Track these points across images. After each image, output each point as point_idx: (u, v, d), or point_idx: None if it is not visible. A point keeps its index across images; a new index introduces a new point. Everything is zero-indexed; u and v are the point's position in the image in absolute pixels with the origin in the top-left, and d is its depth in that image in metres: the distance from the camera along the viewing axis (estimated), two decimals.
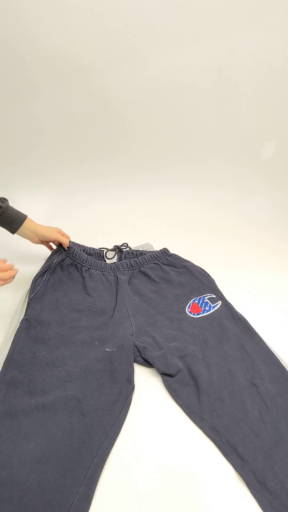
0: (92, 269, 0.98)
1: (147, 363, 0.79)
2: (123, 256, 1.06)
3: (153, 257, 1.03)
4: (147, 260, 1.03)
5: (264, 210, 1.52)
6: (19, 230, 0.95)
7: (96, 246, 1.08)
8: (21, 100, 1.38)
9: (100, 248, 1.07)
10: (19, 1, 1.22)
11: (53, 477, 0.57)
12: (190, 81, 1.41)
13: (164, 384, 0.76)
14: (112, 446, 0.64)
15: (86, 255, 1.00)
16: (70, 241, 1.00)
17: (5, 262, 0.78)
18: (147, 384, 0.77)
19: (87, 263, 0.99)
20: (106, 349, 0.79)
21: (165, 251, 1.06)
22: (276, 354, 0.82)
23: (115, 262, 1.03)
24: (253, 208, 1.55)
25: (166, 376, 0.76)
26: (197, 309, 0.92)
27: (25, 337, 0.80)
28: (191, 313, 0.91)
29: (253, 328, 0.87)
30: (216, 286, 0.99)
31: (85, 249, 1.04)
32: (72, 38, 1.31)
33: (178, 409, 0.72)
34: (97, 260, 1.00)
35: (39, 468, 0.58)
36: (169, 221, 1.41)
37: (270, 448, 0.64)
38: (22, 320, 0.83)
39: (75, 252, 0.99)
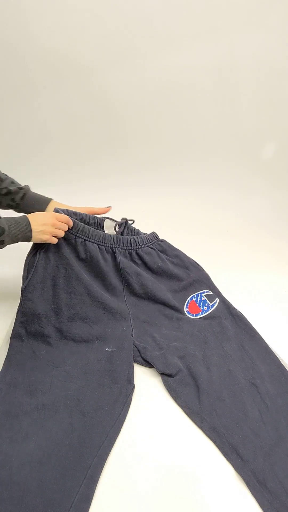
0: (89, 241, 0.89)
1: (147, 363, 0.79)
2: (124, 231, 0.98)
3: (148, 240, 0.97)
4: (144, 242, 0.96)
5: (264, 210, 1.53)
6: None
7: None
8: (20, 101, 1.38)
9: (103, 218, 0.98)
10: (19, 1, 1.23)
11: (53, 477, 0.58)
12: (190, 81, 1.41)
13: (164, 384, 0.76)
14: (112, 446, 0.64)
15: (83, 224, 0.89)
16: (66, 210, 0.90)
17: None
18: (147, 384, 0.76)
19: (83, 233, 0.88)
20: (106, 349, 0.79)
21: (155, 236, 1.00)
22: (276, 354, 0.82)
23: (114, 234, 0.94)
24: (253, 208, 1.55)
25: (166, 376, 0.76)
26: (195, 309, 0.91)
27: (24, 334, 0.79)
28: (190, 314, 0.91)
29: (252, 326, 0.87)
30: (211, 281, 0.98)
31: (82, 218, 0.93)
32: (72, 38, 1.31)
33: (178, 409, 0.72)
34: (95, 230, 0.90)
35: (39, 468, 0.58)
36: (169, 221, 1.41)
37: (270, 448, 0.64)
38: (17, 311, 0.82)
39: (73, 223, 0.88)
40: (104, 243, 0.91)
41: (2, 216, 0.78)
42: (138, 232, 1.00)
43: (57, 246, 0.86)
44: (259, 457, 0.62)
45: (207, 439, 0.67)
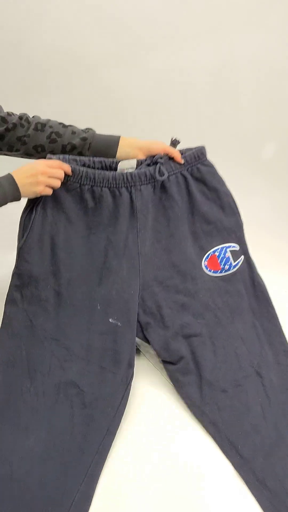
0: (97, 186, 0.73)
1: (147, 341, 0.74)
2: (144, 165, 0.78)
3: (180, 165, 0.77)
4: (173, 169, 0.77)
5: (264, 210, 1.52)
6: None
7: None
8: (20, 100, 1.38)
9: (116, 160, 0.77)
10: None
11: (54, 474, 0.57)
12: (190, 81, 1.41)
13: (166, 373, 0.74)
14: (112, 441, 0.63)
15: (87, 169, 0.73)
16: (62, 156, 0.74)
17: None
18: (146, 370, 0.76)
19: (88, 179, 0.73)
20: (110, 320, 0.71)
21: (200, 154, 0.79)
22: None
23: (130, 171, 0.75)
24: (253, 208, 1.55)
25: (168, 364, 0.73)
26: (215, 265, 0.78)
27: (19, 299, 0.72)
28: (207, 269, 0.78)
29: (269, 299, 0.81)
30: (243, 232, 0.82)
31: (85, 163, 0.75)
32: (72, 38, 1.31)
33: (178, 402, 0.71)
34: (103, 172, 0.73)
35: (39, 465, 0.58)
36: None
37: (270, 447, 0.64)
38: (13, 274, 0.74)
39: (72, 169, 0.73)
40: (116, 184, 0.73)
41: None
42: (168, 159, 0.78)
43: (55, 199, 0.73)
44: (259, 455, 0.62)
45: (208, 436, 0.66)
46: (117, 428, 0.65)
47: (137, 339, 0.76)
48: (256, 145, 1.54)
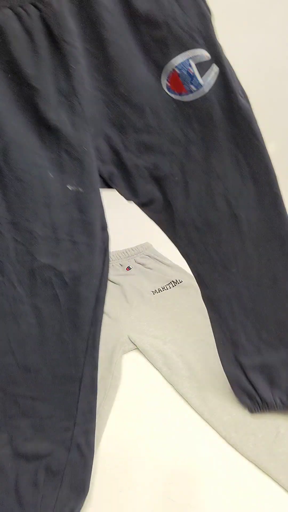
0: None
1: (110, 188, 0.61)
2: None
3: None
4: None
5: None
6: None
7: None
8: None
9: None
10: None
11: (56, 354, 0.58)
12: None
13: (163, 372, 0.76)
14: (103, 309, 0.62)
15: None
16: None
17: None
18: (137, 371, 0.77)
19: None
20: (68, 187, 0.57)
21: None
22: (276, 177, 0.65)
23: None
24: None
25: (142, 206, 0.64)
26: (178, 86, 0.55)
27: None
28: (170, 91, 0.56)
29: (254, 127, 0.59)
30: (213, 31, 0.59)
31: None
32: None
33: (174, 398, 0.72)
34: None
35: (40, 348, 0.58)
36: None
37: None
38: None
39: None
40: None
41: None
42: None
43: None
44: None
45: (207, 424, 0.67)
46: (105, 296, 0.61)
47: (131, 335, 0.79)
48: None
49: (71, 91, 0.52)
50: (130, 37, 0.53)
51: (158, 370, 0.78)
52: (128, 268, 1.04)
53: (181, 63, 0.54)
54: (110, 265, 1.00)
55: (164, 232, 0.66)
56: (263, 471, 0.61)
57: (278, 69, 1.40)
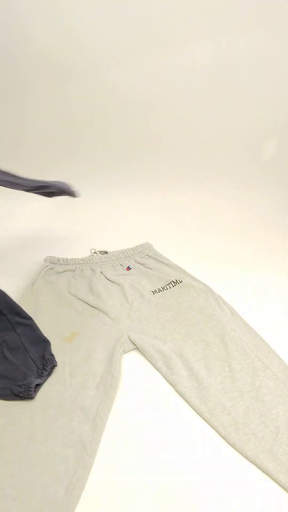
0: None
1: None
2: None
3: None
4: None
5: (266, 209, 1.52)
6: None
7: (96, 247, 1.06)
8: (20, 98, 1.38)
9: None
10: (17, 0, 1.23)
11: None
12: (190, 80, 1.41)
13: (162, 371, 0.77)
14: None
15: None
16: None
17: None
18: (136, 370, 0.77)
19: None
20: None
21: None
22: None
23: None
24: (255, 207, 1.55)
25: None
26: None
27: None
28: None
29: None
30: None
31: None
32: (71, 38, 1.31)
33: (172, 395, 0.72)
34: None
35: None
36: (170, 221, 1.40)
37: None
38: None
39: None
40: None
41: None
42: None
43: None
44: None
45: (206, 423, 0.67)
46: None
47: (131, 335, 0.79)
48: (256, 145, 1.54)
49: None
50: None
51: (158, 370, 0.78)
52: (128, 268, 1.03)
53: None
54: (110, 265, 1.00)
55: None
56: (263, 471, 0.61)
57: (278, 69, 1.40)
